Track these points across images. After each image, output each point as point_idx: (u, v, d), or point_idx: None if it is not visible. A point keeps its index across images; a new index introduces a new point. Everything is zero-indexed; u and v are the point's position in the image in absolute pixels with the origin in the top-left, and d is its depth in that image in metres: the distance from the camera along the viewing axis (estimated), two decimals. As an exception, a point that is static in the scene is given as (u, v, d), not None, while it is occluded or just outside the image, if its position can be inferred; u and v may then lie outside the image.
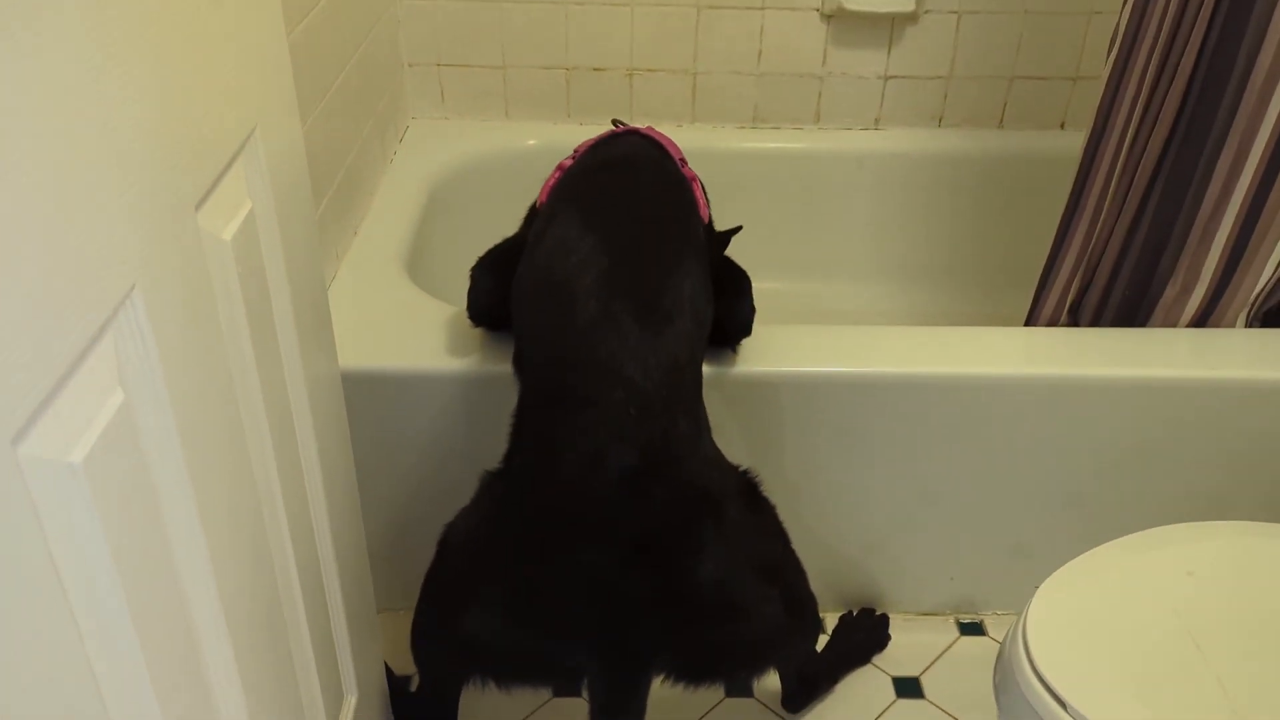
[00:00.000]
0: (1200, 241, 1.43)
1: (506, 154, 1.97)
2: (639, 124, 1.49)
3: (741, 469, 1.20)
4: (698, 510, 1.08)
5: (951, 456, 1.46)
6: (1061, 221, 1.49)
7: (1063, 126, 2.04)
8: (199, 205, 0.73)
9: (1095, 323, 1.54)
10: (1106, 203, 1.46)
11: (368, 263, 1.60)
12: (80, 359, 0.58)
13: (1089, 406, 1.42)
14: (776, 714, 1.46)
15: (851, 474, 1.48)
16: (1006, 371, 1.41)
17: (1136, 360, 1.42)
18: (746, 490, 1.18)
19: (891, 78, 1.99)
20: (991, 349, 1.44)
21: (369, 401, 1.39)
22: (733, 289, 1.34)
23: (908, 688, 1.51)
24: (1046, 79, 1.99)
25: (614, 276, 1.13)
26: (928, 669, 1.54)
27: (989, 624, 1.61)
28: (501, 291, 1.28)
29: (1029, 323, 1.56)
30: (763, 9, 1.91)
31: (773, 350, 1.42)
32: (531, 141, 1.99)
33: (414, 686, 1.40)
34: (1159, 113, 1.39)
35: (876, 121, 2.04)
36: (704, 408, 1.18)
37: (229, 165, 0.79)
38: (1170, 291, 1.47)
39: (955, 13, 1.92)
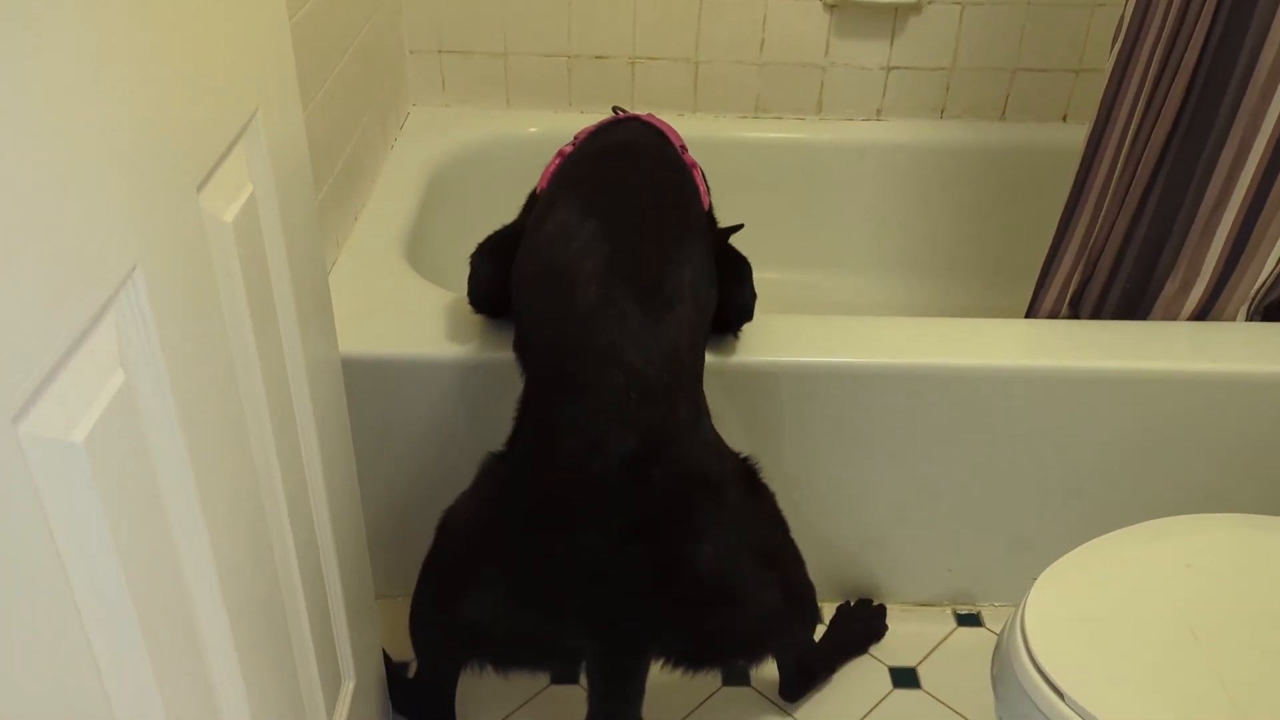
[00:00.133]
0: (1202, 236, 1.43)
1: (507, 142, 1.97)
2: (640, 112, 1.49)
3: (741, 455, 1.20)
4: (697, 495, 1.08)
5: (950, 448, 1.46)
6: (1063, 214, 1.49)
7: (1065, 119, 2.04)
8: (200, 187, 0.73)
9: (1096, 316, 1.54)
10: (1108, 196, 1.46)
11: (368, 249, 1.60)
12: (81, 339, 0.57)
13: (1089, 399, 1.42)
14: (774, 703, 1.46)
15: (850, 465, 1.48)
16: (1006, 363, 1.40)
17: (1136, 353, 1.42)
18: (746, 476, 1.19)
19: (894, 68, 1.98)
20: (991, 340, 1.44)
21: (369, 388, 1.39)
22: (734, 274, 1.34)
23: (904, 678, 1.51)
24: (1049, 71, 1.99)
25: (615, 263, 1.12)
26: (925, 659, 1.54)
27: (986, 615, 1.61)
28: (501, 278, 1.28)
29: (1029, 315, 1.56)
30: (766, -2, 1.91)
31: (772, 340, 1.42)
32: (533, 129, 1.98)
33: (412, 672, 1.40)
34: (1162, 106, 1.39)
35: (878, 112, 2.04)
36: (704, 394, 1.18)
37: (230, 148, 0.79)
38: (1171, 285, 1.47)
39: (958, 4, 1.92)
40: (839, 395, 1.42)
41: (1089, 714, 0.93)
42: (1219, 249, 1.43)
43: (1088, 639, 0.99)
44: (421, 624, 1.26)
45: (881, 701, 1.48)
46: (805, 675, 1.45)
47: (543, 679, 1.49)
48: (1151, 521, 1.13)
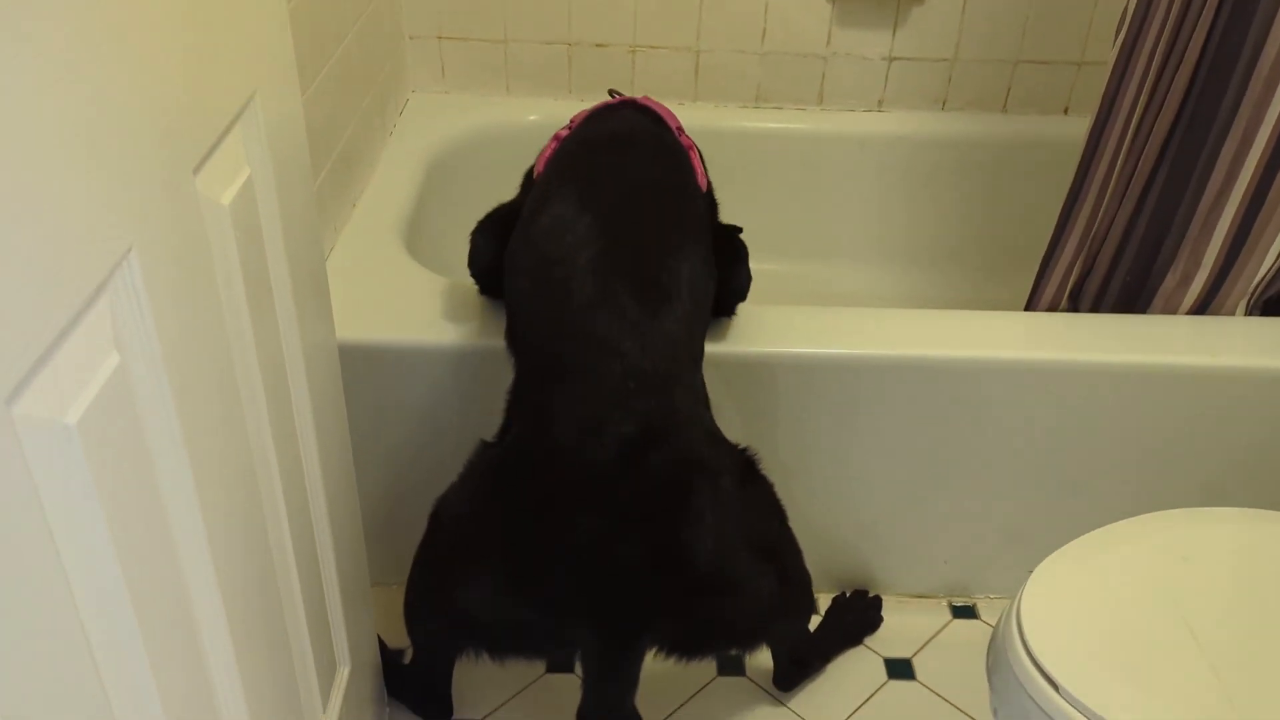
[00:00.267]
0: (1202, 230, 1.43)
1: (507, 129, 1.96)
2: (636, 95, 1.48)
3: (740, 446, 1.20)
4: (694, 482, 1.08)
5: (948, 440, 1.46)
6: (1064, 207, 1.48)
7: (1066, 112, 2.03)
8: (197, 169, 0.72)
9: (1095, 309, 1.54)
10: (1109, 189, 1.46)
11: (366, 235, 1.59)
12: (76, 320, 0.57)
13: (1087, 392, 1.42)
14: (768, 693, 1.47)
15: (848, 456, 1.48)
16: (1005, 355, 1.40)
17: (1136, 346, 1.42)
18: (744, 466, 1.18)
19: (896, 59, 1.97)
20: (990, 333, 1.44)
21: (366, 374, 1.39)
22: (729, 256, 1.34)
23: (899, 669, 1.51)
24: (1051, 63, 1.98)
25: (612, 254, 1.12)
26: (920, 651, 1.54)
27: (981, 608, 1.61)
28: (498, 251, 1.28)
29: (1029, 307, 1.55)
30: (767, -13, 1.90)
31: (771, 331, 1.41)
32: (532, 117, 1.98)
33: (407, 659, 1.40)
34: (1164, 99, 1.39)
35: (880, 103, 2.03)
36: (703, 383, 1.18)
37: (227, 130, 0.78)
38: (1171, 279, 1.47)
39: (961, -5, 1.91)
40: (837, 386, 1.41)
41: (1084, 706, 0.92)
42: (1219, 243, 1.43)
43: (1083, 631, 0.99)
44: (416, 612, 1.25)
45: (876, 692, 1.48)
46: (800, 665, 1.45)
47: (539, 667, 1.49)
48: (1148, 515, 1.13)
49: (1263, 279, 1.47)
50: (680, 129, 1.42)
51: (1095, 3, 1.92)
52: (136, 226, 0.62)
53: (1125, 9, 1.37)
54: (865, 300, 2.09)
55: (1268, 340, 1.43)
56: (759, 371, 1.40)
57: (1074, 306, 1.56)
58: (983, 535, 1.56)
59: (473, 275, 1.41)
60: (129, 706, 0.66)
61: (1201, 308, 1.49)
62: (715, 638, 1.18)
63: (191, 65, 0.70)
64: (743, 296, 1.39)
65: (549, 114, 1.95)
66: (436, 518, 1.19)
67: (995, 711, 1.04)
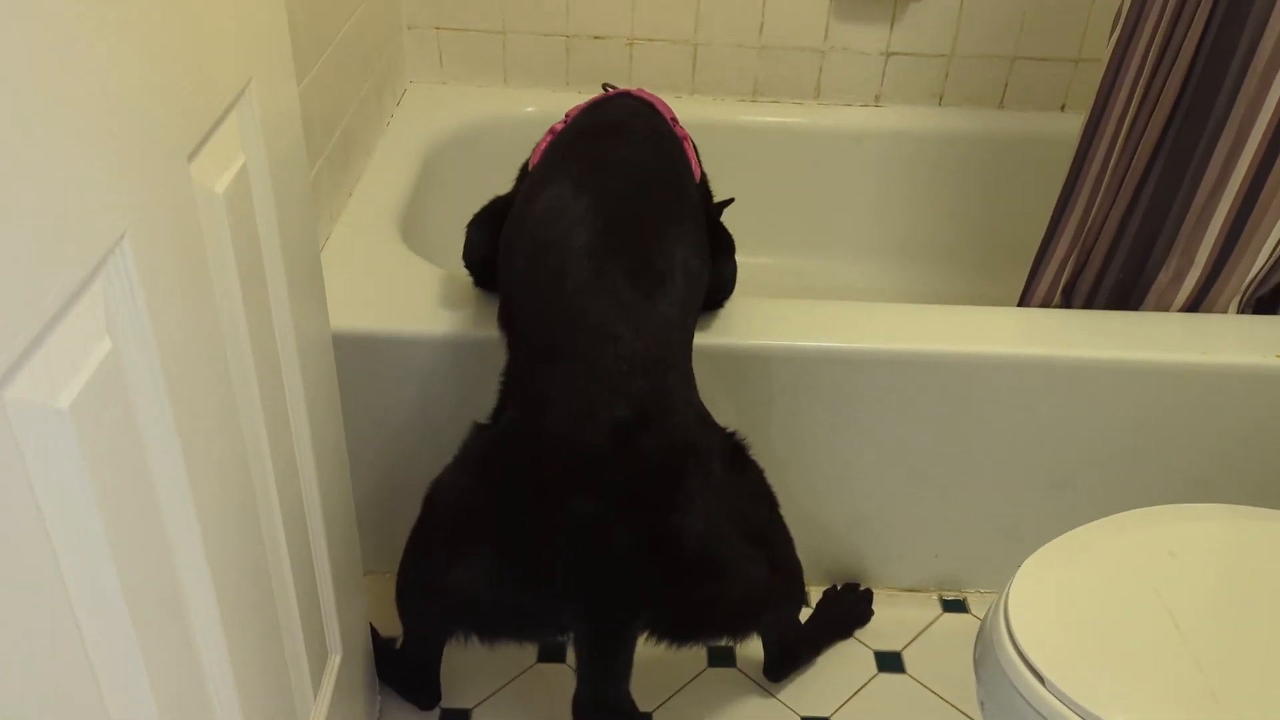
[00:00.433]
0: (1195, 226, 1.43)
1: (504, 120, 1.96)
2: (630, 87, 1.48)
3: (730, 431, 1.21)
4: (685, 465, 1.09)
5: (940, 434, 1.47)
6: (1058, 203, 1.49)
7: (1063, 109, 2.03)
8: (191, 156, 0.73)
9: (1088, 305, 1.55)
10: (1103, 185, 1.46)
11: (362, 225, 1.59)
12: (68, 305, 0.57)
13: (1079, 388, 1.42)
14: (758, 684, 1.47)
15: (841, 449, 1.49)
16: (998, 351, 1.41)
17: (1128, 343, 1.42)
18: (734, 451, 1.19)
19: (893, 54, 1.98)
20: (983, 328, 1.44)
21: (360, 363, 1.39)
22: (715, 247, 1.34)
23: (889, 662, 1.52)
24: (1048, 60, 1.98)
25: (607, 238, 1.13)
26: (910, 644, 1.55)
27: (972, 602, 1.62)
28: (494, 244, 1.29)
29: (1022, 303, 1.56)
30: (766, -19, 1.90)
31: (765, 324, 1.42)
32: (529, 109, 1.98)
33: (399, 646, 1.41)
34: (1159, 96, 1.39)
35: (877, 98, 2.03)
36: (693, 369, 1.19)
37: (222, 117, 0.78)
38: (1164, 276, 1.47)
39: (959, -10, 1.91)
40: (831, 380, 1.42)
41: (1069, 698, 0.93)
42: (1212, 240, 1.44)
43: (1070, 624, 1.00)
44: (408, 594, 1.26)
45: (866, 685, 1.48)
46: (790, 656, 1.46)
47: (530, 656, 1.50)
48: (1135, 510, 1.13)
49: (1255, 277, 1.48)
50: (675, 120, 1.42)
51: (1092, 0, 1.92)
52: (130, 213, 0.63)
53: (1121, 6, 1.37)
54: (860, 295, 2.09)
55: (1259, 338, 1.44)
56: (753, 364, 1.41)
57: (1067, 303, 1.56)
58: (974, 529, 1.57)
59: (468, 268, 1.41)
60: (119, 692, 0.66)
61: (1194, 305, 1.50)
62: (706, 623, 1.19)
63: (187, 51, 0.71)
64: (730, 289, 1.39)
65: (546, 105, 1.95)
66: (430, 500, 1.20)
67: (982, 704, 1.05)
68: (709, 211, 1.38)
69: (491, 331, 1.34)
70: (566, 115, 1.42)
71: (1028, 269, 1.55)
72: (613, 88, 1.48)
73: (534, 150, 1.39)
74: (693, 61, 1.99)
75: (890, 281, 2.12)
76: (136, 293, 0.64)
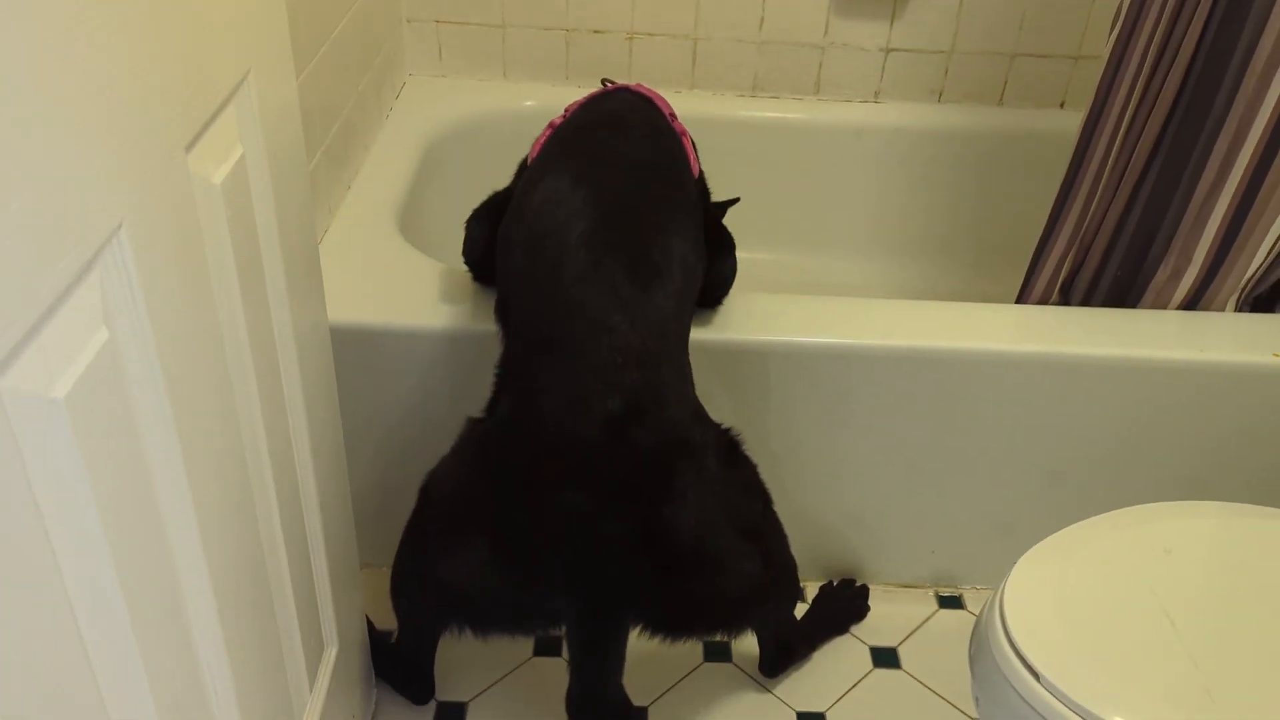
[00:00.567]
0: (1194, 224, 1.43)
1: (503, 114, 1.96)
2: (629, 82, 1.48)
3: (724, 427, 1.21)
4: (679, 459, 1.09)
5: (937, 431, 1.47)
6: (1056, 200, 1.49)
7: (1062, 106, 2.03)
8: (189, 147, 0.72)
9: (1086, 303, 1.55)
10: (1102, 183, 1.46)
11: (360, 218, 1.59)
12: (65, 295, 0.57)
13: (1077, 385, 1.42)
14: (754, 679, 1.48)
15: (837, 445, 1.49)
16: (995, 347, 1.41)
17: (1125, 340, 1.42)
18: (728, 446, 1.19)
19: (893, 50, 1.97)
20: (981, 325, 1.44)
21: (357, 357, 1.39)
22: (715, 244, 1.34)
23: (885, 658, 1.52)
24: (1048, 57, 1.98)
25: (604, 231, 1.13)
26: (905, 640, 1.55)
27: (968, 598, 1.62)
28: (494, 239, 1.29)
29: (1020, 300, 1.56)
30: (766, -24, 1.90)
31: (762, 319, 1.42)
32: (529, 102, 1.97)
33: (394, 641, 1.41)
34: (1158, 94, 1.39)
35: (876, 94, 2.03)
36: (689, 363, 1.19)
37: (221, 109, 0.78)
38: (1162, 274, 1.48)
39: (959, -13, 1.91)
40: (828, 376, 1.42)
41: (1064, 695, 0.93)
42: (1211, 239, 1.44)
43: (1065, 621, 1.00)
44: (402, 586, 1.26)
45: (861, 680, 1.49)
46: (785, 651, 1.46)
47: (525, 650, 1.50)
48: (1132, 507, 1.13)
49: (1253, 275, 1.48)
50: (673, 115, 1.42)
51: (1093, -3, 1.92)
52: (128, 203, 0.63)
53: (1120, 3, 1.37)
54: (859, 290, 2.09)
55: (1256, 336, 1.44)
56: (750, 359, 1.41)
57: (1065, 300, 1.56)
58: (970, 526, 1.57)
59: (467, 264, 1.41)
60: (116, 684, 0.66)
61: (1192, 303, 1.50)
62: (698, 618, 1.19)
63: (185, 42, 0.70)
64: (728, 287, 1.39)
65: (545, 99, 1.95)
66: (425, 493, 1.20)
67: (977, 700, 1.05)
68: (707, 207, 1.38)
69: (489, 326, 1.33)
70: (566, 110, 1.42)
71: (1026, 266, 1.55)
72: (612, 83, 1.48)
73: (533, 144, 1.39)
74: (692, 56, 1.98)
75: (888, 277, 2.13)
76: (134, 283, 0.64)
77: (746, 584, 1.17)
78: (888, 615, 1.58)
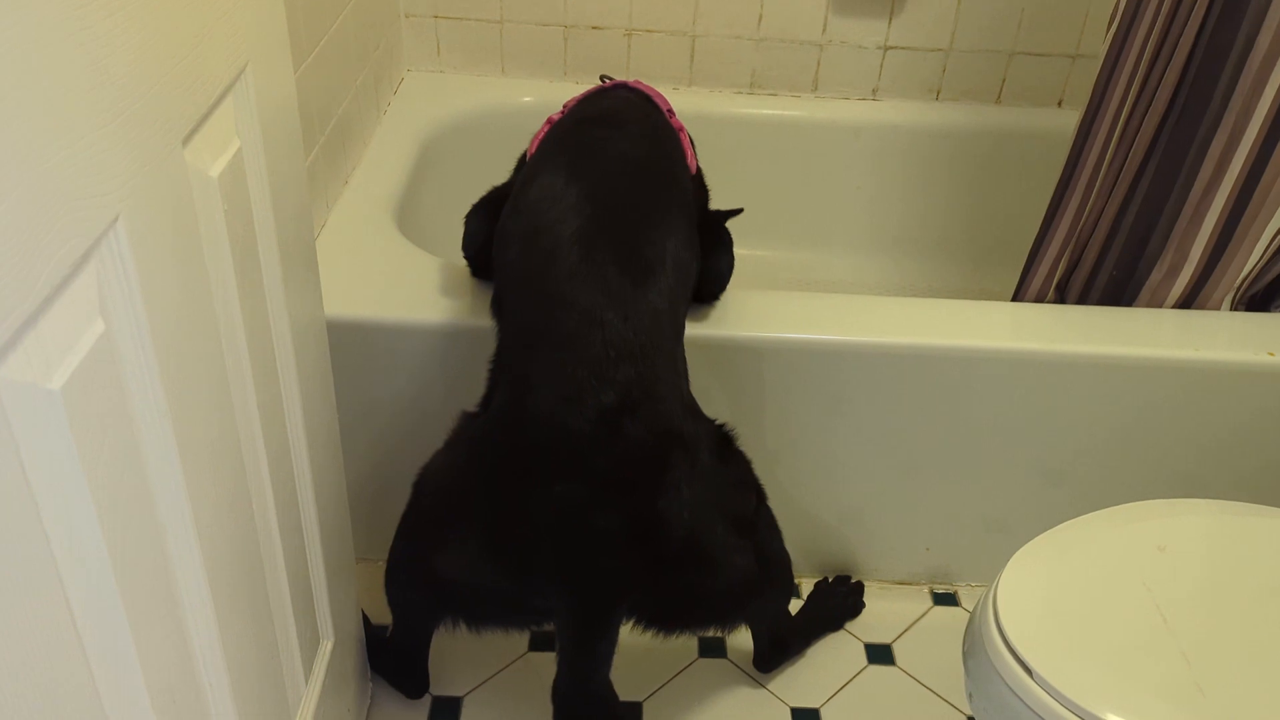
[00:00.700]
0: (1190, 223, 1.44)
1: (501, 110, 1.96)
2: (628, 79, 1.48)
3: (718, 422, 1.21)
4: (671, 452, 1.09)
5: (933, 428, 1.47)
6: (1052, 198, 1.49)
7: (1060, 105, 2.04)
8: (186, 140, 0.73)
9: (1082, 301, 1.55)
10: (1098, 181, 1.46)
11: (357, 213, 1.59)
12: (62, 286, 0.57)
13: (1072, 383, 1.43)
14: (749, 675, 1.48)
15: (833, 442, 1.49)
16: (991, 345, 1.41)
17: (1121, 338, 1.43)
18: (721, 441, 1.20)
19: (891, 48, 1.98)
20: (976, 322, 1.44)
21: (354, 351, 1.39)
22: (712, 241, 1.34)
23: (879, 654, 1.52)
24: (1046, 56, 1.98)
25: (598, 226, 1.13)
26: (900, 637, 1.55)
27: (962, 595, 1.63)
28: (493, 234, 1.29)
29: (1016, 298, 1.56)
30: (765, -27, 1.90)
31: (758, 315, 1.42)
32: (527, 99, 1.98)
33: (388, 635, 1.41)
34: (1154, 93, 1.39)
35: (874, 92, 2.03)
36: (684, 358, 1.19)
37: (218, 102, 0.78)
38: (1157, 273, 1.48)
39: (958, -15, 1.91)
40: (823, 373, 1.42)
41: (1056, 691, 0.94)
42: (1206, 238, 1.44)
43: (1058, 617, 1.01)
44: (396, 579, 1.27)
45: (856, 676, 1.49)
46: (779, 647, 1.46)
47: (521, 645, 1.50)
48: (1126, 504, 1.14)
49: (1249, 274, 1.48)
50: (671, 112, 1.42)
51: (1091, -4, 1.93)
52: (124, 195, 0.63)
53: (1118, 2, 1.37)
54: (856, 288, 2.10)
55: (1251, 336, 1.45)
56: (745, 356, 1.41)
57: (1061, 298, 1.57)
58: (965, 523, 1.57)
59: (466, 259, 1.42)
60: (111, 675, 0.66)
61: (1187, 302, 1.50)
62: (691, 612, 1.19)
63: (182, 35, 0.71)
64: (724, 283, 1.40)
65: (544, 96, 1.95)
66: (418, 486, 1.20)
67: (970, 696, 1.06)
68: (703, 204, 1.38)
69: (484, 321, 1.34)
70: (564, 106, 1.43)
71: (1022, 264, 1.55)
72: (610, 79, 1.48)
73: (532, 140, 1.39)
74: (690, 53, 1.99)
75: (885, 275, 2.13)
76: (130, 275, 0.64)
77: (739, 577, 1.18)
78: (882, 612, 1.58)
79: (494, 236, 1.27)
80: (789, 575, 1.32)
